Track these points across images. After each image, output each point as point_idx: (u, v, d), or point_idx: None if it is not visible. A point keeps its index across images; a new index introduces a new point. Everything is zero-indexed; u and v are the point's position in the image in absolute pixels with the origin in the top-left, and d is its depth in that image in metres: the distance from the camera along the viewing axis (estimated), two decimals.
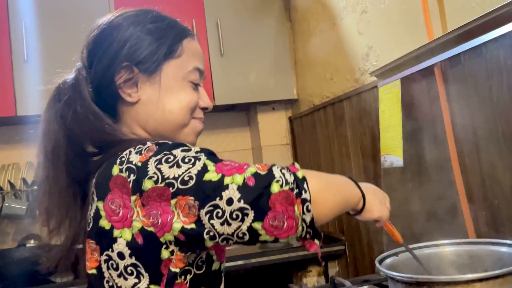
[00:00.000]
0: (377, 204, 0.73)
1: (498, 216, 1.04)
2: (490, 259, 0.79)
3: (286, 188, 0.58)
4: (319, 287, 1.86)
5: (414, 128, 1.30)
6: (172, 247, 0.63)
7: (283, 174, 0.59)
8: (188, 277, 0.65)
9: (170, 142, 0.67)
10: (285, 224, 0.58)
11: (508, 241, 0.77)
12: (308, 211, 0.59)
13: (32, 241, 2.07)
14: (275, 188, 0.58)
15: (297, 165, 0.63)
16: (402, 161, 1.31)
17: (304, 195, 0.58)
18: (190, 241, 0.62)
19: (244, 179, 0.59)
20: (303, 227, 0.59)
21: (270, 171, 0.60)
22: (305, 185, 0.59)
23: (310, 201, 0.59)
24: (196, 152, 0.63)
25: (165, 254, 0.63)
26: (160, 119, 0.75)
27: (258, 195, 0.58)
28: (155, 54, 0.75)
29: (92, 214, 0.68)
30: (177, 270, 0.63)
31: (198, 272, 0.66)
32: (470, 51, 1.08)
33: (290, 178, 0.59)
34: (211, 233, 0.60)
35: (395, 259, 0.83)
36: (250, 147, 2.59)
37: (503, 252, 0.77)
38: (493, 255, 0.79)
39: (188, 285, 0.65)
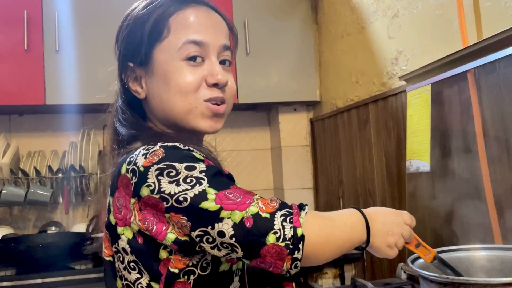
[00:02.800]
0: (383, 243, 0.66)
1: None
2: None
3: (281, 244, 0.57)
4: (340, 287, 1.86)
5: (443, 134, 1.30)
6: (170, 248, 0.63)
7: (283, 227, 0.58)
8: (192, 277, 0.64)
9: (179, 147, 0.64)
10: (271, 269, 0.60)
11: None
12: (296, 267, 0.59)
13: (53, 228, 2.11)
14: (270, 239, 0.57)
15: (302, 217, 0.59)
16: (429, 167, 1.31)
17: (296, 255, 0.58)
18: (184, 250, 0.63)
19: (243, 218, 0.58)
20: (286, 275, 0.60)
21: (272, 216, 0.58)
22: (300, 245, 0.58)
23: (300, 260, 0.58)
24: (201, 172, 0.61)
25: (163, 254, 0.64)
26: (163, 110, 0.73)
27: (251, 240, 0.58)
28: (141, 43, 0.72)
29: (107, 207, 0.70)
30: (176, 270, 0.64)
31: (203, 273, 0.65)
32: (506, 58, 1.07)
33: (289, 233, 0.57)
34: (203, 249, 0.61)
35: (432, 263, 0.83)
36: (269, 147, 2.60)
37: None
38: None
39: (191, 285, 0.64)
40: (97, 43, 2.00)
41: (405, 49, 1.56)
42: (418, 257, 0.79)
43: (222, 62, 0.75)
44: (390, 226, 0.68)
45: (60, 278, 1.62)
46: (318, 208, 2.38)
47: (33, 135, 2.22)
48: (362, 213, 0.67)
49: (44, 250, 1.70)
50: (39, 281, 1.59)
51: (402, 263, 1.40)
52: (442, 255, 0.83)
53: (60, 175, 2.04)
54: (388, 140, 1.66)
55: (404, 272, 1.37)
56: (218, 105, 0.73)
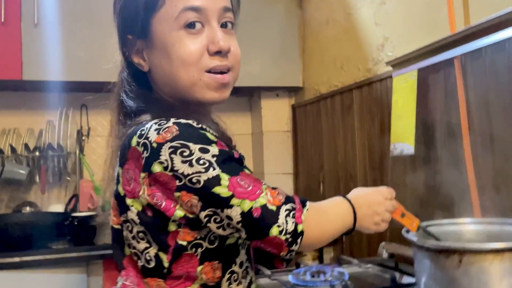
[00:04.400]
0: (371, 223, 0.74)
1: (508, 208, 1.09)
2: (508, 239, 0.83)
3: (283, 237, 0.62)
4: (327, 264, 1.89)
5: (428, 118, 1.34)
6: (179, 221, 0.64)
7: (286, 221, 0.62)
8: (199, 250, 0.66)
9: (194, 126, 0.64)
10: (269, 250, 0.65)
11: None
12: (290, 256, 0.64)
13: (27, 208, 2.05)
14: (273, 232, 0.61)
15: (304, 214, 0.63)
16: (413, 149, 1.36)
17: (293, 247, 0.63)
18: (192, 224, 0.64)
19: (251, 208, 0.61)
20: (281, 258, 0.66)
21: (277, 210, 0.62)
22: (299, 240, 0.63)
23: (295, 251, 0.64)
24: (213, 156, 0.62)
25: (172, 227, 0.64)
26: (167, 83, 0.71)
27: (256, 228, 0.62)
28: (138, 15, 0.70)
29: (115, 176, 0.70)
30: (184, 243, 0.64)
31: (210, 246, 0.66)
32: (493, 45, 1.12)
33: (290, 228, 0.62)
34: (207, 226, 0.64)
35: (416, 234, 0.86)
36: (250, 132, 2.61)
37: None
38: (511, 235, 0.83)
39: (198, 257, 0.65)
40: (80, 18, 1.94)
41: (391, 35, 1.60)
42: (408, 231, 0.82)
43: (224, 25, 0.72)
44: (374, 207, 0.74)
45: (40, 257, 1.59)
46: (297, 192, 2.41)
47: (7, 112, 2.14)
48: (349, 201, 0.73)
49: (22, 229, 1.66)
50: (17, 259, 1.55)
51: (383, 242, 1.45)
52: (430, 228, 0.87)
53: (37, 153, 1.98)
54: (372, 126, 1.70)
55: (386, 251, 1.42)
56: (223, 73, 0.70)
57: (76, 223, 1.71)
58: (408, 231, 0.81)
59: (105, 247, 1.68)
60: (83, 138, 2.16)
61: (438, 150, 1.31)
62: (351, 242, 1.86)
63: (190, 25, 0.68)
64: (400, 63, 1.47)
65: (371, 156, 1.71)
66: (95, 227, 1.78)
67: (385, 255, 1.41)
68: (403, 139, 1.41)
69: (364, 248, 1.76)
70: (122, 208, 0.68)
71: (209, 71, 0.69)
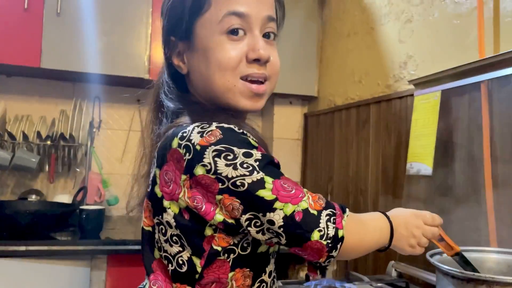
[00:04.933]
0: (406, 244, 0.72)
1: None
2: None
3: (324, 242, 0.61)
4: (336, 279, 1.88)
5: (449, 141, 1.33)
6: (216, 226, 0.64)
7: (327, 226, 0.61)
8: (232, 256, 0.65)
9: (236, 130, 0.63)
10: (307, 257, 0.64)
11: None
12: (329, 262, 0.64)
13: (33, 196, 2.04)
14: (315, 236, 0.61)
15: (344, 220, 0.63)
16: (431, 170, 1.35)
17: (333, 253, 0.62)
18: (228, 230, 0.64)
19: (294, 211, 0.60)
20: (317, 265, 0.65)
21: (319, 214, 0.62)
22: (339, 245, 0.62)
23: (335, 257, 0.63)
24: (256, 160, 0.61)
25: (208, 231, 0.64)
26: (203, 88, 0.71)
27: (297, 233, 0.61)
28: (182, 18, 0.70)
29: (151, 178, 0.69)
30: (219, 248, 0.64)
31: (242, 253, 0.66)
32: None
33: (331, 232, 0.61)
34: (246, 231, 0.63)
35: (441, 258, 0.86)
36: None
37: None
38: None
39: (230, 263, 0.65)
40: (102, 11, 1.94)
41: (415, 54, 1.59)
42: (433, 255, 0.81)
43: (266, 36, 0.71)
44: (411, 229, 0.73)
45: (45, 247, 1.57)
46: None
47: (21, 98, 2.13)
48: (388, 218, 0.71)
49: (29, 217, 1.65)
50: (23, 248, 1.54)
51: (393, 261, 1.44)
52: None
53: (48, 142, 1.97)
54: (387, 142, 1.70)
55: (395, 270, 1.41)
56: (260, 82, 0.70)
57: (83, 216, 1.70)
58: (432, 256, 0.80)
59: (111, 242, 1.67)
60: (94, 130, 2.15)
61: (456, 175, 1.31)
62: (356, 258, 1.85)
63: (233, 31, 0.68)
64: (423, 82, 1.46)
65: (384, 172, 1.71)
66: (102, 221, 1.77)
67: (394, 274, 1.40)
68: (421, 159, 1.40)
69: (369, 265, 1.75)
70: (158, 210, 0.67)
71: (245, 79, 0.69)
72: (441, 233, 0.76)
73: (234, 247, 0.65)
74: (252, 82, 0.69)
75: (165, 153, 0.65)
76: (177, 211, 0.65)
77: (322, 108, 2.27)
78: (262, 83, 0.71)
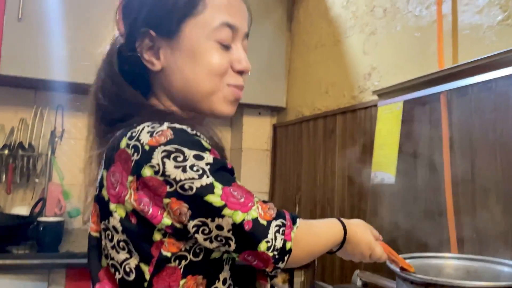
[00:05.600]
0: (358, 250, 0.74)
1: (484, 242, 1.11)
2: (487, 276, 0.84)
3: (270, 253, 0.60)
4: None
5: (411, 150, 1.36)
6: (165, 231, 0.62)
7: (275, 237, 0.61)
8: (183, 262, 0.63)
9: (187, 132, 0.62)
10: (255, 264, 0.63)
11: (509, 261, 0.82)
12: (275, 273, 0.64)
13: None
14: (262, 247, 0.60)
15: (293, 232, 0.62)
16: (394, 179, 1.37)
17: (279, 265, 0.62)
18: (178, 234, 0.62)
19: (243, 220, 0.59)
20: (266, 273, 0.65)
21: (268, 224, 0.61)
22: (286, 257, 0.62)
23: (281, 268, 0.63)
24: (207, 164, 0.60)
25: (157, 236, 0.61)
26: (183, 88, 0.69)
27: (245, 242, 0.60)
28: (171, 15, 0.68)
29: (99, 180, 0.67)
30: (169, 254, 0.62)
31: (195, 259, 0.63)
32: (479, 84, 1.15)
33: (279, 245, 0.61)
34: (194, 237, 0.61)
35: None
36: (229, 148, 2.58)
37: (501, 270, 0.83)
38: (490, 272, 0.84)
39: (181, 270, 0.62)
40: (64, 16, 1.89)
41: (379, 65, 1.63)
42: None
43: None
44: (361, 247, 0.75)
45: None
46: None
47: None
48: (343, 227, 0.72)
49: None
50: None
51: (358, 270, 1.44)
52: (413, 261, 0.86)
53: (6, 151, 1.89)
54: (353, 152, 1.72)
55: (360, 279, 1.41)
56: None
57: (41, 228, 1.63)
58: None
59: (70, 255, 1.60)
60: (56, 139, 2.08)
61: (419, 183, 1.33)
62: (323, 267, 1.85)
63: (224, 41, 0.69)
64: (386, 93, 1.49)
65: (350, 182, 1.72)
66: (61, 233, 1.70)
67: (359, 283, 1.40)
68: (384, 168, 1.42)
69: (336, 274, 1.74)
70: (104, 213, 0.64)
71: (230, 86, 0.71)
72: (392, 254, 0.77)
73: (185, 253, 0.63)
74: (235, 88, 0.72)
75: (112, 153, 0.63)
76: (123, 214, 0.62)
77: (291, 119, 2.28)
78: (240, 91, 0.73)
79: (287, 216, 0.63)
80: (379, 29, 1.64)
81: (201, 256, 0.64)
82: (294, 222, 0.63)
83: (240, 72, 0.71)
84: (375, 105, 1.56)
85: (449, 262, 0.89)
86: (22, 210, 1.93)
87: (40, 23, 1.86)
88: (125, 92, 0.71)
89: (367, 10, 1.71)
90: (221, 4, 0.69)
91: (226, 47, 0.69)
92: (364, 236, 0.75)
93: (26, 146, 1.91)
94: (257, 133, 2.46)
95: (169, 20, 0.68)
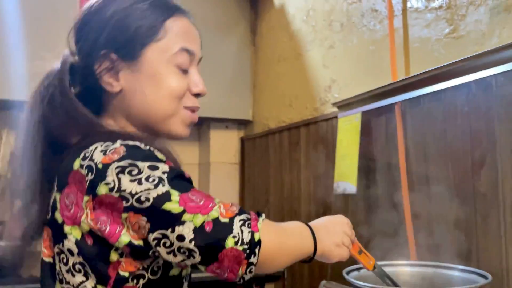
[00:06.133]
0: (332, 244, 0.70)
1: (440, 246, 1.14)
2: (441, 282, 0.86)
3: (239, 247, 0.58)
4: None
5: (370, 159, 1.39)
6: (122, 250, 0.61)
7: (242, 231, 0.59)
8: (141, 281, 0.62)
9: (141, 147, 0.63)
10: (226, 275, 0.60)
11: (460, 266, 0.85)
12: (250, 272, 0.60)
13: None
14: (229, 243, 0.58)
15: (259, 223, 0.61)
16: (355, 189, 1.40)
17: (252, 259, 0.59)
18: (136, 253, 0.61)
19: (204, 222, 0.58)
20: (240, 280, 0.61)
21: (231, 221, 0.59)
22: (257, 250, 0.59)
23: (255, 265, 0.60)
24: (164, 173, 0.60)
25: (114, 256, 0.61)
26: (143, 109, 0.70)
27: (210, 243, 0.58)
28: (134, 39, 0.69)
29: (51, 203, 0.66)
30: (126, 274, 0.61)
31: (153, 277, 0.63)
32: (430, 95, 1.20)
33: (247, 238, 0.59)
34: (156, 254, 0.60)
35: (358, 274, 0.88)
36: (197, 162, 2.58)
37: (452, 275, 0.85)
38: (443, 277, 0.87)
39: None
40: (28, 35, 1.86)
41: (338, 78, 1.67)
42: (352, 270, 0.83)
43: None
44: (333, 228, 0.73)
45: None
46: None
47: None
48: (306, 223, 0.71)
49: None
50: None
51: (324, 281, 1.45)
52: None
53: None
54: (317, 163, 1.74)
55: None
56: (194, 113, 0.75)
57: None
58: (349, 273, 0.82)
59: (32, 280, 1.55)
60: None
61: (378, 191, 1.36)
62: (292, 279, 1.86)
63: (182, 65, 0.72)
64: (345, 105, 1.53)
65: (315, 192, 1.74)
66: (22, 257, 1.64)
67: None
68: (346, 178, 1.45)
69: (305, 285, 1.75)
70: (58, 237, 0.63)
71: (188, 109, 0.73)
72: (359, 244, 0.77)
73: (143, 272, 0.62)
74: (192, 112, 0.74)
75: (65, 175, 0.63)
76: (79, 236, 0.61)
77: (257, 132, 2.30)
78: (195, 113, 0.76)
79: (251, 212, 0.63)
80: (337, 42, 1.68)
81: (159, 274, 0.63)
82: (259, 215, 0.63)
83: (197, 95, 0.74)
84: (336, 117, 1.59)
85: (405, 269, 0.92)
86: None
87: (26, 45, 1.82)
88: (76, 110, 0.69)
89: (325, 25, 1.76)
90: (180, 31, 0.72)
91: (184, 71, 0.72)
92: (329, 219, 0.74)
93: None
94: (225, 147, 2.47)
95: (131, 44, 0.69)
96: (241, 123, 2.49)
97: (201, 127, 2.56)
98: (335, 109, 1.64)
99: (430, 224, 1.18)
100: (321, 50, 1.78)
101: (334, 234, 0.71)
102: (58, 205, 0.63)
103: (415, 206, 1.22)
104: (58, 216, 0.63)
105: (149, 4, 0.71)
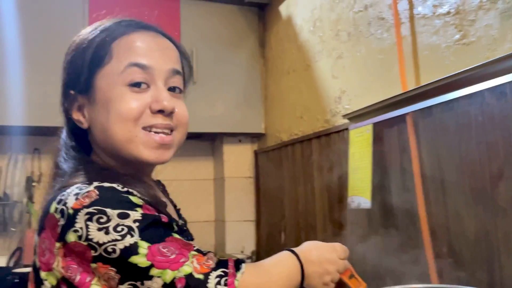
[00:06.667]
0: (319, 283, 0.67)
1: (461, 264, 1.08)
2: None
3: None
4: None
5: (384, 172, 1.35)
6: None
7: None
8: None
9: (117, 189, 0.60)
10: None
11: None
12: None
13: None
14: None
15: (237, 279, 0.57)
16: (369, 203, 1.35)
17: None
18: None
19: (174, 278, 0.56)
20: None
21: (205, 278, 0.56)
22: None
23: None
24: (135, 221, 0.57)
25: None
26: (105, 140, 0.68)
27: None
28: (83, 70, 0.68)
29: (34, 246, 0.65)
30: None
31: None
32: (442, 104, 1.15)
33: None
34: None
35: None
36: (212, 177, 2.56)
37: None
38: None
39: None
40: (36, 62, 1.89)
41: (348, 89, 1.63)
42: None
43: (172, 89, 0.70)
44: (325, 266, 0.67)
45: None
46: (259, 241, 2.35)
47: None
48: (297, 256, 0.66)
49: None
50: None
51: None
52: None
53: None
54: (330, 176, 1.70)
55: None
56: (165, 134, 0.68)
57: (17, 279, 1.58)
58: None
59: None
60: (33, 184, 2.05)
61: (394, 205, 1.31)
62: None
63: (135, 84, 0.66)
64: (356, 116, 1.49)
65: (330, 206, 1.70)
66: None
67: None
68: (360, 192, 1.40)
69: None
70: (37, 282, 0.61)
71: (149, 130, 0.67)
72: (351, 268, 0.73)
73: None
74: (157, 133, 0.67)
75: (43, 219, 0.61)
76: (54, 283, 0.59)
77: (271, 145, 2.27)
78: (168, 134, 0.69)
79: (230, 264, 0.60)
80: (345, 52, 1.64)
81: None
82: (238, 269, 0.59)
83: (160, 111, 0.67)
84: (347, 129, 1.55)
85: None
86: (1, 261, 1.89)
87: (12, 71, 1.85)
88: (70, 149, 0.71)
89: (332, 35, 1.72)
90: (127, 47, 0.67)
91: (140, 90, 0.66)
92: (325, 253, 0.69)
93: (1, 195, 1.87)
94: (238, 161, 2.44)
95: (81, 76, 0.68)
96: (254, 137, 2.46)
97: (214, 142, 2.55)
98: (346, 121, 1.59)
99: (449, 240, 1.12)
100: (330, 61, 1.74)
101: (325, 272, 0.67)
102: (37, 250, 0.62)
103: (432, 220, 1.17)
104: (36, 260, 0.62)
105: (100, 31, 0.69)
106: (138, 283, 0.56)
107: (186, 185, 2.48)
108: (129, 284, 0.56)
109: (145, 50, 0.68)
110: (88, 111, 0.69)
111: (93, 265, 0.57)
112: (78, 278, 0.57)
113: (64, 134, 0.73)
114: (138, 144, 0.66)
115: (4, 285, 1.68)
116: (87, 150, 0.73)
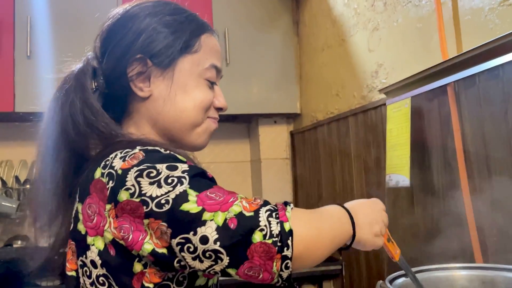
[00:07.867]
0: (370, 233, 0.66)
1: (507, 243, 1.01)
2: (504, 286, 0.75)
3: (268, 241, 0.53)
4: None
5: (423, 148, 1.27)
6: (146, 260, 0.59)
7: (269, 222, 0.54)
8: None
9: (160, 151, 0.62)
10: (261, 275, 0.55)
11: None
12: (287, 268, 0.54)
13: (19, 242, 2.00)
14: (257, 237, 0.54)
15: (288, 211, 0.56)
16: (408, 181, 1.28)
17: (286, 252, 0.54)
18: (160, 263, 0.58)
19: (226, 219, 0.54)
20: (278, 281, 0.56)
21: (256, 214, 0.55)
22: (289, 241, 0.54)
23: (291, 259, 0.54)
24: (183, 172, 0.58)
25: (138, 267, 0.59)
26: (172, 117, 0.71)
27: (236, 241, 0.54)
28: (171, 48, 0.71)
29: (73, 215, 0.65)
30: (151, 285, 0.59)
31: None
32: (486, 72, 1.06)
33: (276, 229, 0.54)
34: (182, 263, 0.57)
35: (405, 280, 0.79)
36: (249, 159, 2.55)
37: None
38: (507, 281, 0.75)
39: None
40: (71, 49, 1.93)
41: (385, 62, 1.55)
42: (396, 278, 0.75)
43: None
44: (372, 215, 0.67)
45: None
46: None
47: (0, 144, 2.12)
48: (343, 207, 0.65)
49: (7, 266, 1.60)
50: None
51: (381, 281, 1.36)
52: (421, 275, 0.79)
53: (28, 186, 1.95)
54: (368, 154, 1.64)
55: None
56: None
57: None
58: (392, 281, 0.74)
59: None
60: None
61: (434, 183, 1.24)
62: (351, 278, 1.77)
63: (210, 80, 0.75)
64: (393, 90, 1.41)
65: (368, 185, 1.64)
66: (50, 263, 1.72)
67: None
68: (398, 170, 1.34)
69: (365, 285, 1.66)
70: (81, 249, 0.62)
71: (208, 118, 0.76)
72: (387, 233, 0.71)
73: (168, 282, 0.60)
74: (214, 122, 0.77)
75: (87, 185, 0.62)
76: (102, 247, 0.60)
77: (306, 125, 2.22)
78: None
79: (278, 203, 0.59)
80: (381, 23, 1.56)
81: (185, 285, 0.61)
82: (286, 205, 0.58)
83: (219, 109, 0.76)
84: (384, 104, 1.48)
85: (461, 273, 0.81)
86: None
87: (48, 58, 1.91)
88: (97, 119, 0.68)
89: (368, 5, 1.64)
90: (212, 48, 0.75)
91: (211, 86, 0.75)
92: (369, 203, 0.69)
93: None
94: (274, 142, 2.41)
95: (168, 52, 0.71)
96: (290, 117, 2.42)
97: (250, 124, 2.53)
98: (383, 96, 1.52)
99: (494, 219, 1.05)
100: (365, 34, 1.66)
101: (373, 223, 0.66)
102: (80, 216, 0.63)
103: (476, 199, 1.09)
104: (81, 227, 0.63)
105: (185, 18, 0.74)
106: (191, 234, 0.55)
107: (223, 168, 2.49)
108: (181, 238, 0.55)
109: (220, 55, 0.77)
110: (157, 83, 0.71)
111: (146, 221, 0.56)
112: (131, 237, 0.57)
113: (85, 97, 0.68)
114: (202, 129, 0.73)
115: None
116: (118, 118, 0.73)
